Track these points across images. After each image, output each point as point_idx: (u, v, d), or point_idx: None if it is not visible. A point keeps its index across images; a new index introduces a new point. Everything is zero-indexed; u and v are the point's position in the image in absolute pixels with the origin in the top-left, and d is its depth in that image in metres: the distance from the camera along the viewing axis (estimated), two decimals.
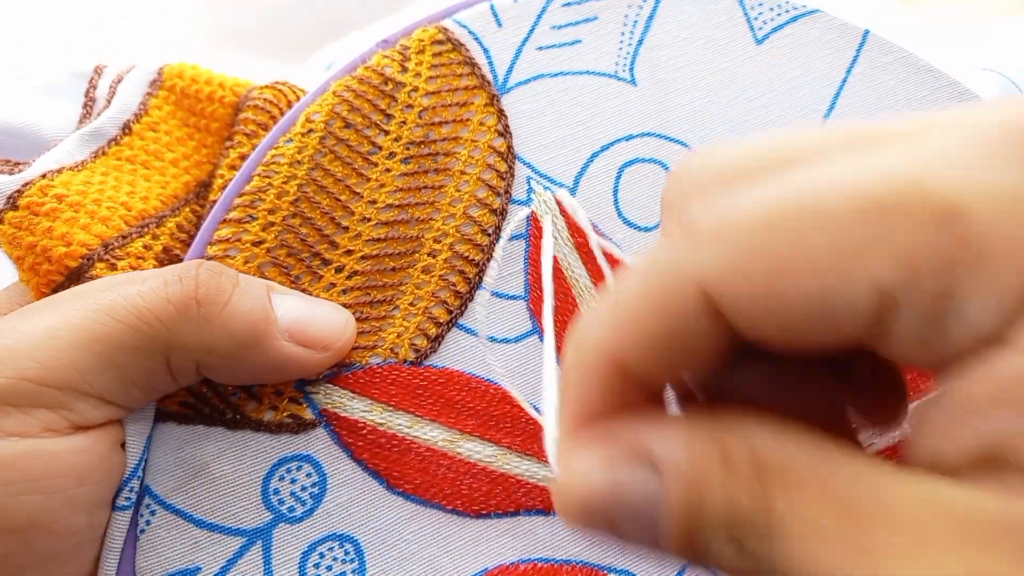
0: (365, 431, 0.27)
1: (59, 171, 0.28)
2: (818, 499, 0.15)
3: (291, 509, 0.26)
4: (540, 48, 0.31)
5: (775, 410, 0.17)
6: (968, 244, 0.14)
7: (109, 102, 0.32)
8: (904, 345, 0.15)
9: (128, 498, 0.25)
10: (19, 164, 0.29)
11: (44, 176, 0.28)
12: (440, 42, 0.30)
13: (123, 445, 0.25)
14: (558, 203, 0.29)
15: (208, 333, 0.24)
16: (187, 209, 0.30)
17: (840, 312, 0.15)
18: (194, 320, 0.24)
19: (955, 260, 0.14)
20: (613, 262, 0.29)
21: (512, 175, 0.30)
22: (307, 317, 0.26)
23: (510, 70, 0.30)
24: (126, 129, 0.31)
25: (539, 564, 0.27)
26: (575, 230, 0.29)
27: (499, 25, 0.31)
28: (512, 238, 0.29)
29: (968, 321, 0.14)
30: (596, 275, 0.29)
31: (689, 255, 0.16)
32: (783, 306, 0.15)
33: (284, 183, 0.28)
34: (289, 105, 0.31)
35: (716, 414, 0.17)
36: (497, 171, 0.29)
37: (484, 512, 0.27)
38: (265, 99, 0.31)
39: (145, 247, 0.28)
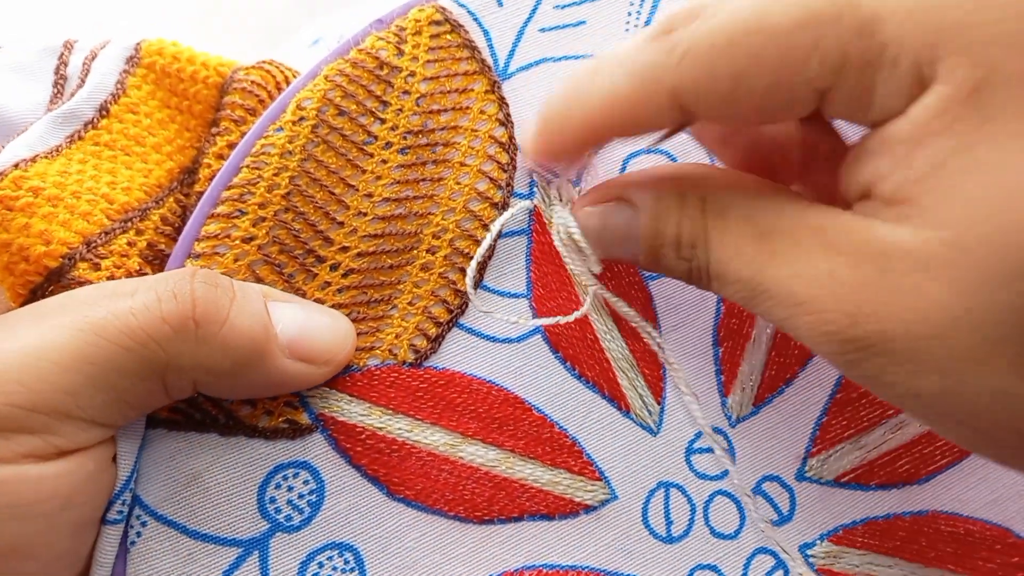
0: (364, 436, 0.26)
1: (33, 160, 0.27)
2: (741, 226, 0.22)
3: (288, 518, 0.25)
4: (543, 30, 0.29)
5: (730, 161, 0.27)
6: (881, 46, 0.19)
7: (83, 80, 0.29)
8: (837, 117, 0.21)
9: (120, 511, 0.24)
10: None
11: (17, 166, 0.26)
12: (438, 22, 0.29)
13: (114, 459, 0.24)
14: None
15: (206, 354, 0.23)
16: (171, 199, 0.28)
17: (786, 105, 0.21)
18: (191, 340, 0.22)
19: (871, 61, 0.19)
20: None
21: (514, 167, 0.28)
22: (307, 330, 0.25)
23: (511, 54, 0.29)
24: (103, 111, 0.29)
25: (544, 570, 0.26)
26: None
27: (500, 4, 0.29)
28: (512, 234, 0.28)
29: (881, 105, 0.19)
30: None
31: (666, 71, 0.21)
32: (741, 105, 0.21)
33: (275, 175, 0.27)
34: (278, 87, 0.29)
35: (681, 169, 0.27)
36: (498, 162, 0.28)
37: (487, 518, 0.26)
38: (252, 81, 0.29)
39: (129, 243, 0.27)
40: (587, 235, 0.26)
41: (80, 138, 0.28)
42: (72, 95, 0.29)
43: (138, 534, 0.25)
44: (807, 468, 0.28)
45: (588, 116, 0.23)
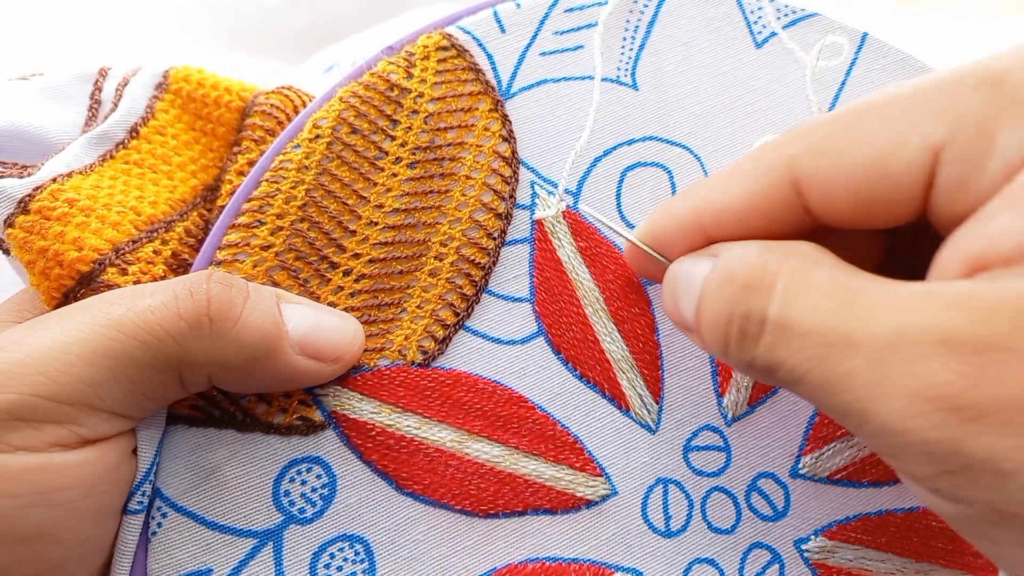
0: (374, 432, 0.27)
1: (69, 175, 0.29)
2: (826, 279, 0.19)
3: (302, 510, 0.27)
4: (543, 54, 0.31)
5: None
6: (1006, 93, 0.17)
7: (115, 105, 0.32)
8: (948, 192, 0.18)
9: (140, 502, 0.25)
10: (27, 168, 0.30)
11: (55, 180, 0.28)
12: (444, 48, 0.31)
13: (134, 451, 0.26)
14: (563, 209, 0.30)
15: (220, 349, 0.24)
16: (195, 213, 0.30)
17: (896, 169, 0.19)
18: (206, 336, 0.24)
19: (994, 107, 0.17)
20: (617, 264, 0.30)
21: (516, 180, 0.30)
22: (317, 329, 0.26)
23: (514, 75, 0.31)
24: (133, 133, 0.31)
25: (547, 563, 0.27)
26: (578, 234, 0.30)
27: (502, 31, 0.31)
28: (515, 242, 0.30)
29: (1002, 154, 0.17)
30: (599, 277, 0.30)
31: (783, 144, 0.21)
32: (851, 171, 0.20)
33: (292, 188, 0.28)
34: (296, 110, 0.31)
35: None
36: (502, 176, 0.30)
37: (492, 512, 0.27)
38: (272, 104, 0.31)
39: (155, 252, 0.28)
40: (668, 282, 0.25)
41: (112, 157, 0.30)
42: (105, 118, 0.31)
43: (159, 524, 0.26)
44: (801, 465, 0.29)
45: (686, 206, 0.23)
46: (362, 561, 0.27)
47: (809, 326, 0.18)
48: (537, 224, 0.30)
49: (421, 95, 0.30)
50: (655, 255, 0.26)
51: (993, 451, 0.16)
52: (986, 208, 0.18)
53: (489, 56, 0.31)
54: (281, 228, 0.28)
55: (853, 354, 0.17)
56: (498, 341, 0.29)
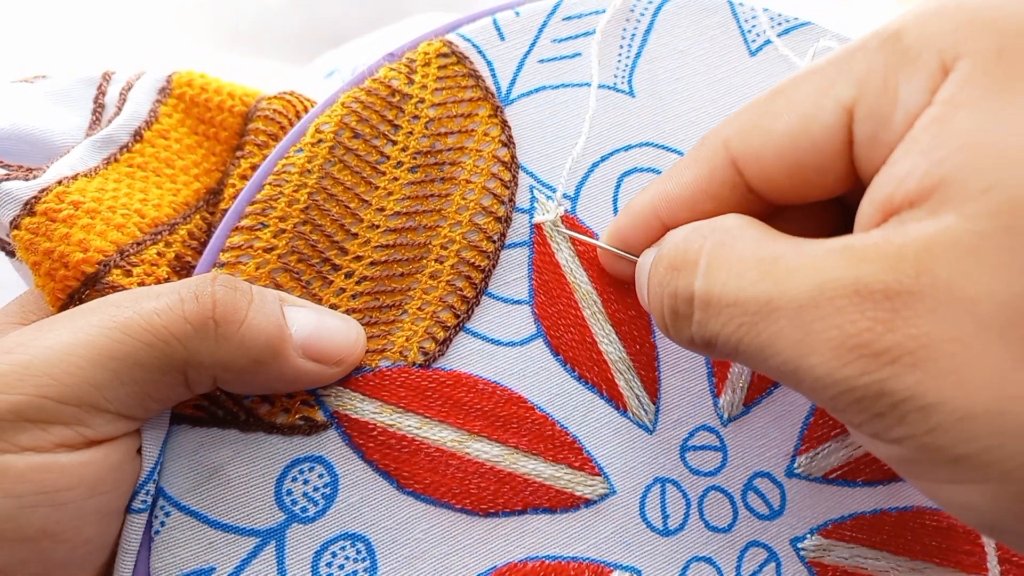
0: (375, 432, 0.28)
1: (74, 178, 0.29)
2: (746, 249, 0.20)
3: (304, 509, 0.27)
4: (542, 61, 0.32)
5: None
6: (903, 49, 0.19)
7: (119, 109, 0.32)
8: (865, 148, 0.20)
9: (144, 501, 0.26)
10: (32, 171, 0.30)
11: (60, 182, 0.28)
12: (445, 55, 0.31)
13: (138, 451, 0.26)
14: (562, 215, 0.30)
15: (225, 351, 0.24)
16: (197, 216, 0.31)
17: (816, 132, 0.20)
18: (211, 339, 0.24)
19: (894, 64, 0.19)
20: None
21: (516, 184, 0.30)
22: (320, 332, 0.26)
23: (513, 82, 0.31)
24: (137, 136, 0.31)
25: (547, 561, 0.28)
26: (575, 238, 0.30)
27: (502, 39, 0.32)
28: (514, 245, 0.30)
29: (904, 104, 0.19)
30: (596, 280, 0.30)
31: (720, 128, 0.23)
32: (778, 142, 0.21)
33: (295, 191, 0.29)
34: (298, 115, 0.32)
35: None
36: (501, 180, 0.30)
37: (492, 511, 0.28)
38: (274, 110, 0.31)
39: (159, 254, 0.29)
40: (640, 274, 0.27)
41: (116, 160, 0.30)
42: (109, 122, 0.31)
43: (162, 523, 0.26)
44: (796, 465, 0.29)
45: (652, 190, 0.25)
46: (363, 560, 0.27)
47: (733, 297, 0.20)
48: (536, 228, 0.30)
49: (422, 101, 0.31)
50: (622, 253, 0.28)
51: (914, 389, 0.17)
52: (892, 155, 0.19)
53: (489, 63, 0.31)
54: (284, 231, 0.29)
55: (776, 317, 0.19)
56: (498, 343, 0.29)
